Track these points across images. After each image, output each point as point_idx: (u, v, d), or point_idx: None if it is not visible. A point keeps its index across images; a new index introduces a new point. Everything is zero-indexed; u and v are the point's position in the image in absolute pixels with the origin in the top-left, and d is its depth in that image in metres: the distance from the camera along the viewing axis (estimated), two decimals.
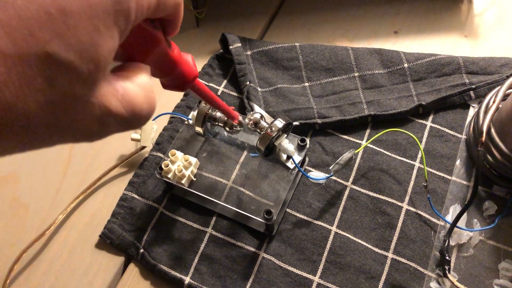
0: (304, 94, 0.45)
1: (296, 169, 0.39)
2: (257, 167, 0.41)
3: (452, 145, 0.43)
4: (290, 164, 0.38)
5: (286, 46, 0.47)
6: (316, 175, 0.40)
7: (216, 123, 0.37)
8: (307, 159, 0.42)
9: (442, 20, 0.50)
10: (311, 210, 0.40)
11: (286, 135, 0.38)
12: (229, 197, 0.39)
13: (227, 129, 0.37)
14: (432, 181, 0.41)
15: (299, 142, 0.39)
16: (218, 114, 0.38)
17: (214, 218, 0.40)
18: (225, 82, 0.47)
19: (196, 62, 0.51)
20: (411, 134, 0.40)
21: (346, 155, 0.38)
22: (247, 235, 0.39)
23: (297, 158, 0.38)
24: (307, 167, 0.42)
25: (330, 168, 0.38)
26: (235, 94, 0.46)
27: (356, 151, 0.39)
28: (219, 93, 0.46)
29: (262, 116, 0.38)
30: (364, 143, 0.43)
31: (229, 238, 0.39)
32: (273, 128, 0.36)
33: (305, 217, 0.40)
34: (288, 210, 0.40)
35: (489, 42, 0.49)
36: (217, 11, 0.52)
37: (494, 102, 0.39)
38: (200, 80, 0.46)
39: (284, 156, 0.39)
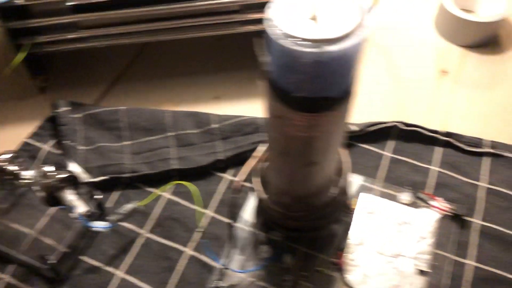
0: (120, 151, 0.51)
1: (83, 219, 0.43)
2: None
3: (244, 195, 0.48)
4: (75, 214, 0.43)
5: (111, 109, 0.53)
6: (99, 224, 0.44)
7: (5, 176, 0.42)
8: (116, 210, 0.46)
9: (253, 87, 0.56)
10: (104, 256, 0.44)
11: (75, 187, 0.43)
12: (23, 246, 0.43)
13: (16, 182, 0.42)
14: (219, 227, 0.45)
15: (91, 195, 0.44)
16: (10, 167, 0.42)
17: (13, 265, 0.44)
18: (53, 142, 0.52)
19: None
20: (189, 186, 0.46)
21: (128, 206, 0.43)
22: (38, 281, 0.43)
23: (84, 208, 0.43)
24: (110, 218, 0.46)
25: (110, 217, 0.43)
26: (60, 152, 0.51)
27: (139, 203, 0.44)
28: (45, 151, 0.51)
29: (68, 171, 0.43)
30: (166, 195, 0.48)
31: (22, 284, 0.43)
32: (51, 180, 0.41)
33: (97, 263, 0.44)
34: (82, 257, 0.44)
35: None
36: (63, 77, 0.58)
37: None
38: (30, 140, 0.52)
39: (80, 208, 0.43)
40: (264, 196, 0.41)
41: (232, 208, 0.41)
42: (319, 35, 0.25)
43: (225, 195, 0.47)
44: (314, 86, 0.28)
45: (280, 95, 0.30)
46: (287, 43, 0.26)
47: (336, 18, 0.26)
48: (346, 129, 0.37)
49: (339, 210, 0.44)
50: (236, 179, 0.42)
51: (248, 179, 0.43)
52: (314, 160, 0.35)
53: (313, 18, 0.26)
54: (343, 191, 0.42)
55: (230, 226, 0.41)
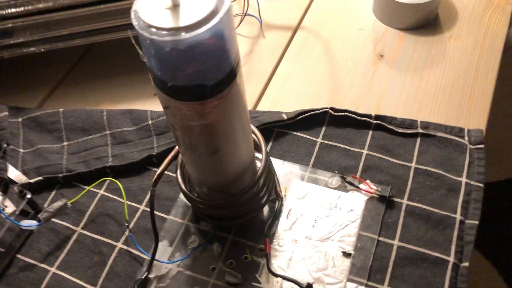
0: (60, 152, 0.52)
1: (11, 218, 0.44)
2: None
3: (177, 188, 0.48)
4: (4, 214, 0.44)
5: (50, 112, 0.54)
6: (28, 222, 0.45)
7: None
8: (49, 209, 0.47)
9: None
10: (40, 254, 0.45)
11: (4, 188, 0.44)
12: None
13: None
14: (149, 222, 0.46)
15: (18, 194, 0.45)
16: None
17: None
18: None
19: None
20: (117, 182, 0.47)
21: (56, 204, 0.44)
22: None
23: (11, 208, 0.44)
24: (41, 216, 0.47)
25: (39, 215, 0.44)
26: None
27: (69, 202, 0.45)
28: None
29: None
30: (101, 192, 0.49)
31: None
32: None
33: (32, 261, 0.45)
34: (19, 256, 0.45)
35: None
36: (6, 83, 0.60)
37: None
38: None
39: (8, 208, 0.44)
40: (183, 187, 0.42)
41: (151, 200, 0.41)
42: (175, 24, 0.26)
43: (157, 189, 0.48)
44: (185, 74, 0.29)
45: (160, 85, 0.30)
46: (147, 33, 0.27)
47: (196, 6, 0.27)
48: (247, 115, 0.37)
49: (266, 197, 0.45)
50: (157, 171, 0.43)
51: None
52: (217, 148, 0.36)
53: (174, 7, 0.27)
54: (264, 178, 0.43)
55: (151, 218, 0.42)
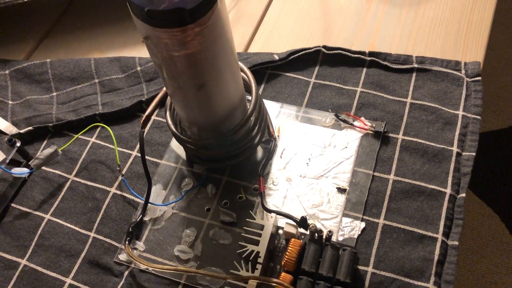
0: (49, 103, 0.51)
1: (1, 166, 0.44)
2: None
3: (169, 133, 0.48)
4: None
5: (37, 63, 0.53)
6: (19, 170, 0.45)
7: None
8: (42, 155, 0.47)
9: None
10: (34, 202, 0.45)
11: None
12: None
13: None
14: (142, 167, 0.46)
15: (7, 142, 0.44)
16: None
17: None
18: None
19: None
20: (107, 128, 0.46)
21: (47, 151, 0.44)
22: None
23: (2, 156, 0.43)
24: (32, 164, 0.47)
25: (30, 163, 0.43)
26: None
27: (60, 149, 0.45)
28: None
29: None
30: (92, 139, 0.48)
31: None
32: None
33: (26, 209, 0.45)
34: (13, 205, 0.45)
35: None
36: None
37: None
38: None
39: None
40: (173, 128, 0.42)
41: (141, 141, 0.41)
42: None
43: (148, 135, 0.48)
44: None
45: (137, 12, 0.29)
46: None
47: None
48: (232, 47, 0.36)
49: (259, 137, 0.44)
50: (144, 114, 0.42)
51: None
52: (203, 82, 0.35)
53: None
54: (255, 117, 0.42)
55: (142, 159, 0.41)
